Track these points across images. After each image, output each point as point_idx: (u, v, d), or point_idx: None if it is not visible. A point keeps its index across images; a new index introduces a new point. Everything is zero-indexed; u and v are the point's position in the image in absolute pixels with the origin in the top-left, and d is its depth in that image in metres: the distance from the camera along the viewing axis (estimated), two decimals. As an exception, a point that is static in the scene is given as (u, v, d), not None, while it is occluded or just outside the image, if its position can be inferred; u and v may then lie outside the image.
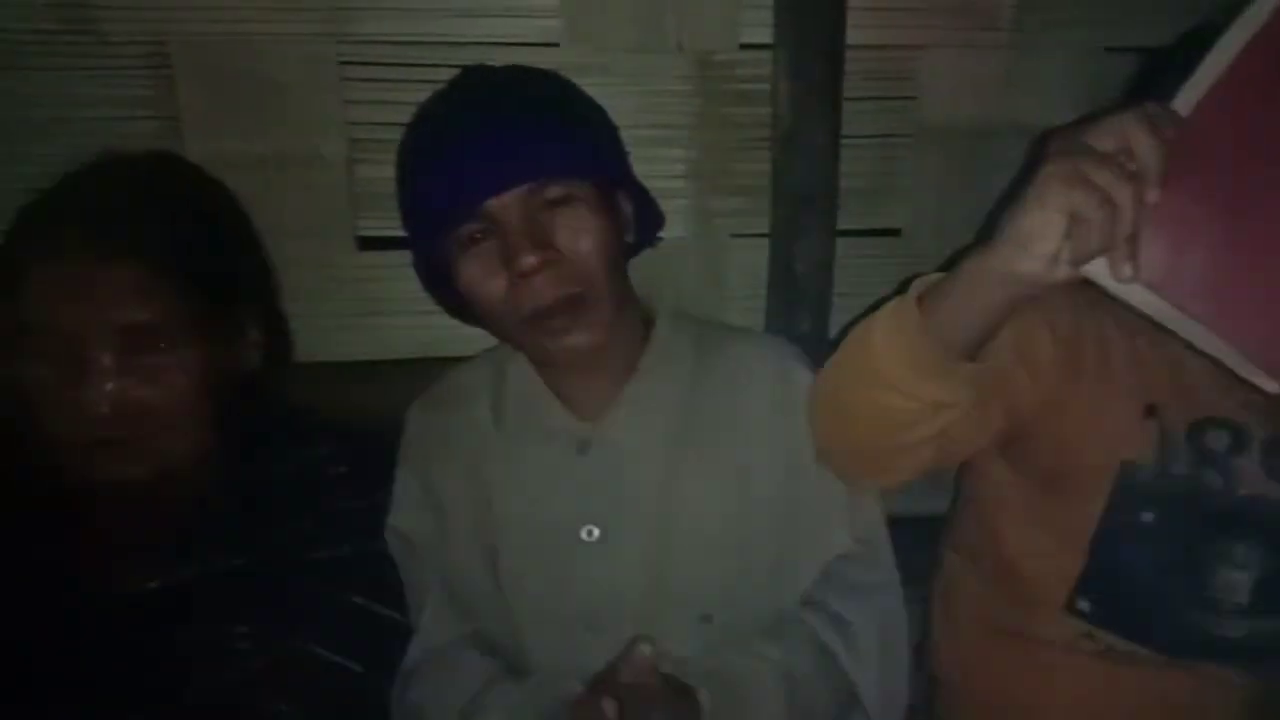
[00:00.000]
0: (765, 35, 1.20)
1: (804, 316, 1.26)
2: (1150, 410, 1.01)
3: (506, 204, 0.87)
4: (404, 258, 1.24)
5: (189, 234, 0.90)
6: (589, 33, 1.21)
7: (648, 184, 1.03)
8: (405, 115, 1.19)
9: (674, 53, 1.21)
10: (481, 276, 0.90)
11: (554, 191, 0.89)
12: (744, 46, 1.22)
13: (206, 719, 0.88)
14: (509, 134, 0.89)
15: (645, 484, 0.96)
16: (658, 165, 1.24)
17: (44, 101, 1.16)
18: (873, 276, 1.33)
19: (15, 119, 1.16)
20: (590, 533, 0.95)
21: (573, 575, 0.95)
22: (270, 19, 1.17)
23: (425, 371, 1.26)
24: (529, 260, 0.87)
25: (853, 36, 1.19)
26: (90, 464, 0.87)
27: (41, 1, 1.13)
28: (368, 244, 1.26)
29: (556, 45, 1.21)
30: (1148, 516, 1.01)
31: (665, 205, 1.06)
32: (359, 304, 1.28)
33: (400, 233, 1.23)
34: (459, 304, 0.99)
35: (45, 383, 0.86)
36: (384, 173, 1.21)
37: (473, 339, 1.27)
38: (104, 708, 0.89)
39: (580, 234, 0.89)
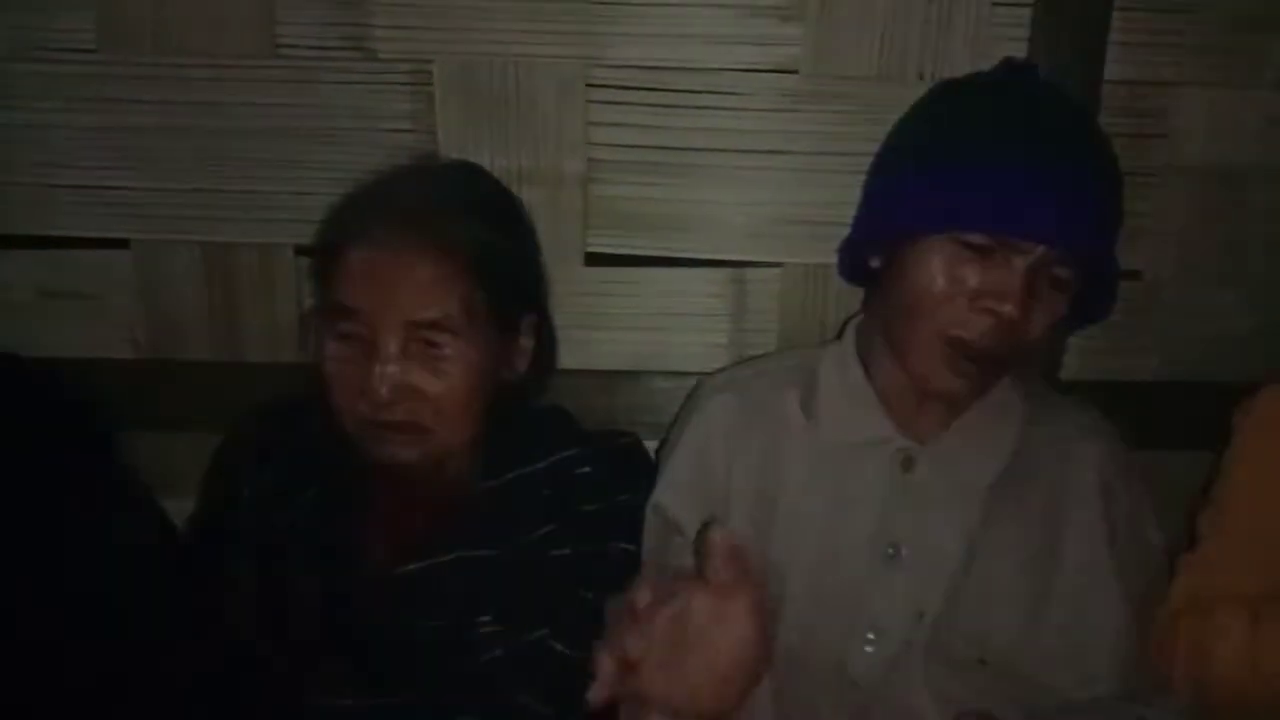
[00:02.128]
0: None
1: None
2: None
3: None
4: (627, 274, 1.31)
5: (486, 238, 0.96)
6: (830, 61, 1.22)
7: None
8: (641, 137, 1.26)
9: (915, 82, 1.20)
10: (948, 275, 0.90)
11: None
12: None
13: (448, 703, 0.92)
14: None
15: (961, 515, 0.95)
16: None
17: (320, 111, 1.26)
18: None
19: (294, 127, 1.27)
20: (894, 550, 0.95)
21: (859, 590, 0.94)
22: (526, 42, 1.23)
23: (639, 383, 1.32)
24: None
25: (1110, 71, 1.15)
26: (369, 443, 0.94)
27: (324, 21, 1.23)
28: (594, 260, 1.31)
29: (795, 73, 1.23)
30: None
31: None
32: (582, 316, 1.32)
33: (626, 250, 1.29)
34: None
35: (342, 361, 0.93)
36: (616, 191, 1.27)
37: (687, 356, 1.32)
38: (349, 682, 0.95)
39: None
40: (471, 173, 1.04)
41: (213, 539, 1.04)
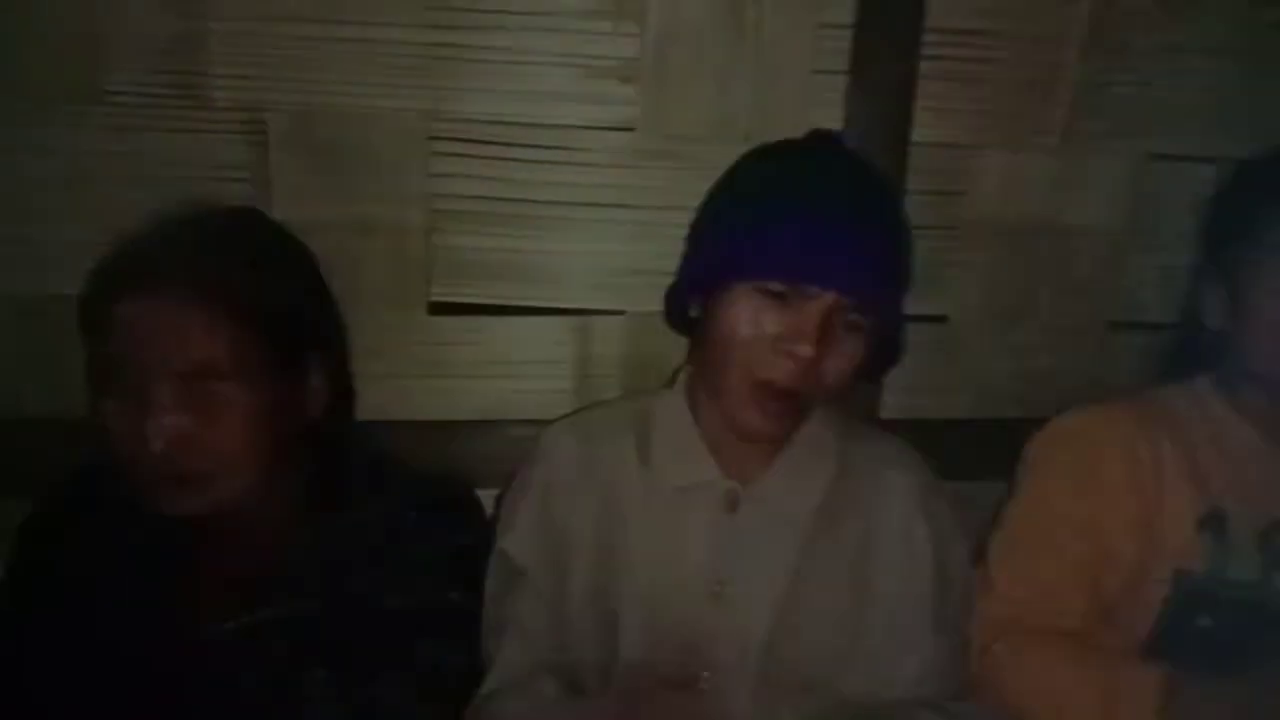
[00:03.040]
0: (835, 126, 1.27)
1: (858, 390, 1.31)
2: (1206, 520, 1.07)
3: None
4: (471, 323, 1.32)
5: (258, 280, 0.94)
6: (664, 121, 1.28)
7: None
8: (485, 189, 1.28)
9: (742, 142, 1.27)
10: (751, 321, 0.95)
11: None
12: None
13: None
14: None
15: (783, 551, 1.00)
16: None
17: (149, 159, 1.23)
18: (920, 360, 1.37)
19: (123, 175, 1.23)
20: (720, 586, 0.99)
21: (691, 630, 0.98)
22: (366, 93, 1.24)
23: (488, 432, 1.33)
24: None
25: (916, 134, 1.27)
26: (155, 498, 0.91)
27: (156, 68, 1.20)
28: (438, 309, 1.32)
29: (632, 130, 1.28)
30: (1205, 621, 1.06)
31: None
32: (428, 366, 1.32)
33: (470, 299, 1.31)
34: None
35: (119, 416, 0.90)
36: (459, 241, 1.29)
37: (532, 404, 1.34)
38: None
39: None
40: (246, 218, 1.02)
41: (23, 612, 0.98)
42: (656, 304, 1.30)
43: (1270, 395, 1.09)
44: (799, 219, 0.94)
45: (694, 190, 1.25)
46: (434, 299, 1.31)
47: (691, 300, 1.04)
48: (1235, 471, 1.10)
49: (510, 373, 1.34)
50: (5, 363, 1.27)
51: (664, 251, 1.30)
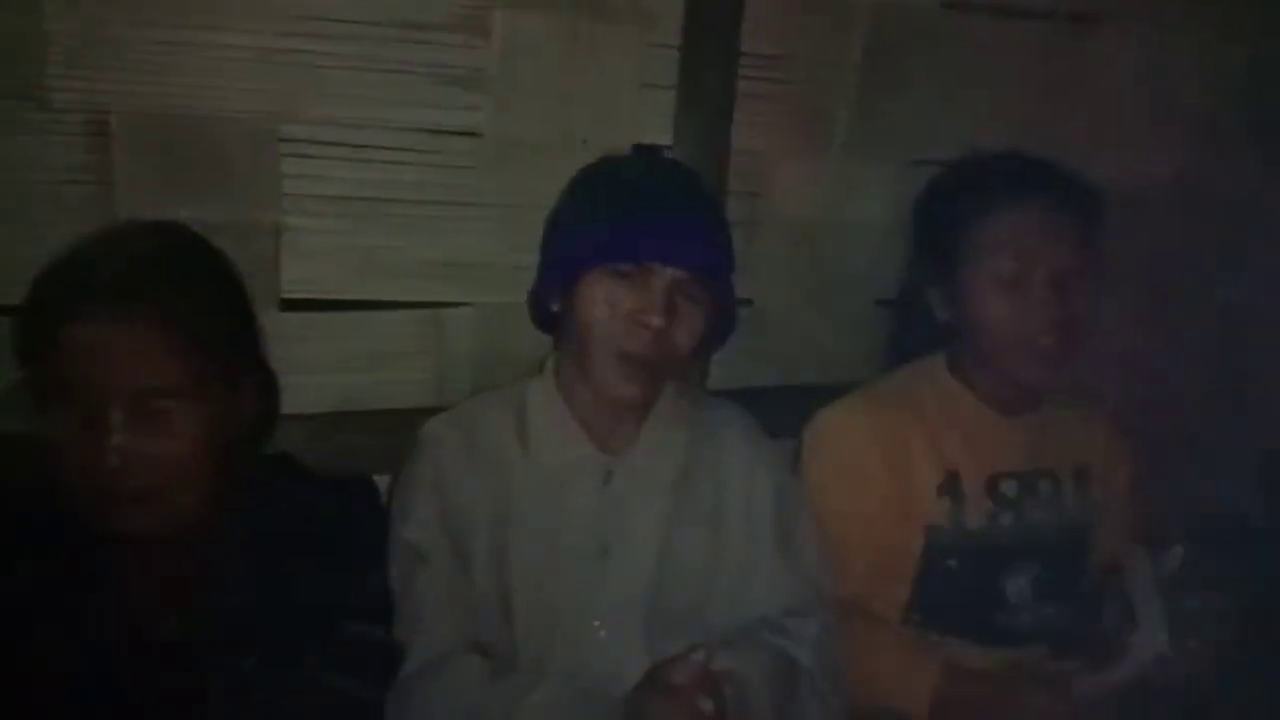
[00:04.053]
0: (664, 137, 1.43)
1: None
2: (945, 483, 1.30)
3: None
4: (325, 318, 1.37)
5: (200, 301, 0.97)
6: (508, 127, 1.39)
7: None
8: (334, 188, 1.33)
9: (580, 148, 1.40)
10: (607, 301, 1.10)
11: None
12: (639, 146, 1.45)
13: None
14: None
15: (652, 514, 1.16)
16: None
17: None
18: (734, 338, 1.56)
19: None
20: (603, 552, 1.12)
21: (582, 589, 1.11)
22: (212, 96, 1.25)
23: (346, 423, 1.38)
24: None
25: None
26: (106, 516, 0.92)
27: (-8, 68, 1.16)
28: (289, 305, 1.36)
29: (479, 135, 1.38)
30: (952, 563, 1.32)
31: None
32: (282, 362, 1.35)
33: (321, 295, 1.35)
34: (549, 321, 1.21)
35: (66, 438, 0.90)
36: (310, 240, 1.33)
37: (390, 392, 1.41)
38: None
39: None
40: (177, 234, 1.03)
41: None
42: (502, 296, 1.44)
43: (995, 373, 1.32)
44: (640, 208, 1.11)
45: (536, 191, 1.39)
46: (285, 295, 1.35)
47: (551, 295, 1.17)
48: (966, 437, 1.34)
49: (366, 365, 1.40)
50: None
51: (508, 247, 1.42)
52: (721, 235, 1.16)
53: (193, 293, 0.97)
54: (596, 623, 1.12)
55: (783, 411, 1.52)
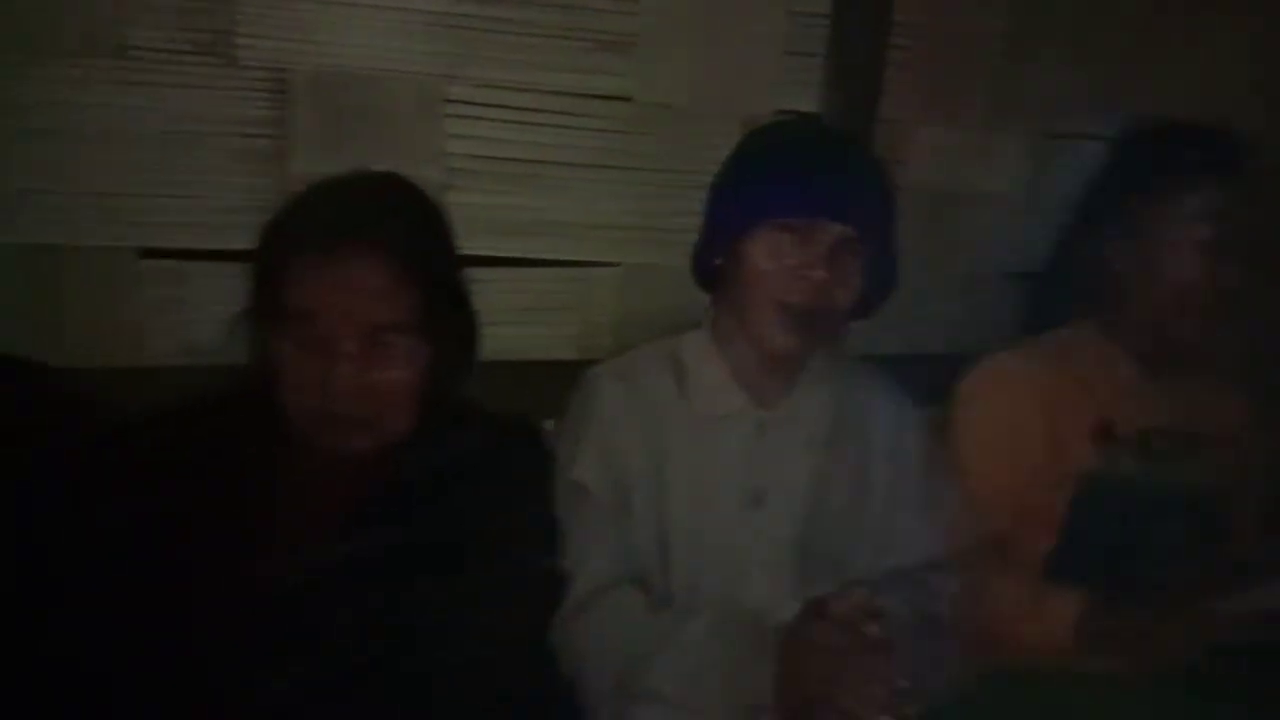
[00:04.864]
0: (809, 105, 1.46)
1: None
2: (1097, 435, 1.33)
3: None
4: (480, 274, 1.42)
5: (427, 243, 1.04)
6: (655, 93, 1.43)
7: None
8: (492, 149, 1.39)
9: (725, 115, 1.44)
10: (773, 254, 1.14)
11: None
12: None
13: (404, 664, 1.01)
14: None
15: (804, 466, 1.19)
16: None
17: (169, 115, 1.26)
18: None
19: (140, 131, 1.25)
20: (757, 500, 1.17)
21: (736, 534, 1.16)
22: (387, 56, 1.31)
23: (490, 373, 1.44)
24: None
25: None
26: (323, 434, 0.99)
27: (179, 26, 1.23)
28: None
29: (629, 100, 1.42)
30: (1098, 513, 1.33)
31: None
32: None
33: (480, 252, 1.41)
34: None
35: (297, 361, 0.97)
36: (470, 199, 1.39)
37: (532, 347, 1.46)
38: (288, 661, 1.00)
39: None
40: (402, 183, 1.09)
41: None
42: (647, 257, 1.48)
43: (1155, 338, 1.35)
44: (810, 166, 1.14)
45: (682, 155, 1.43)
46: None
47: (716, 249, 1.20)
48: (1119, 392, 1.37)
49: (514, 319, 1.46)
50: (11, 311, 1.27)
51: (654, 210, 1.46)
52: (887, 197, 1.19)
53: (421, 236, 1.03)
54: (753, 568, 1.16)
55: (908, 381, 1.55)
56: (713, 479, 1.18)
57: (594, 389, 1.22)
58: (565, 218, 1.44)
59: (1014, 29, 1.58)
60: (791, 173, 1.13)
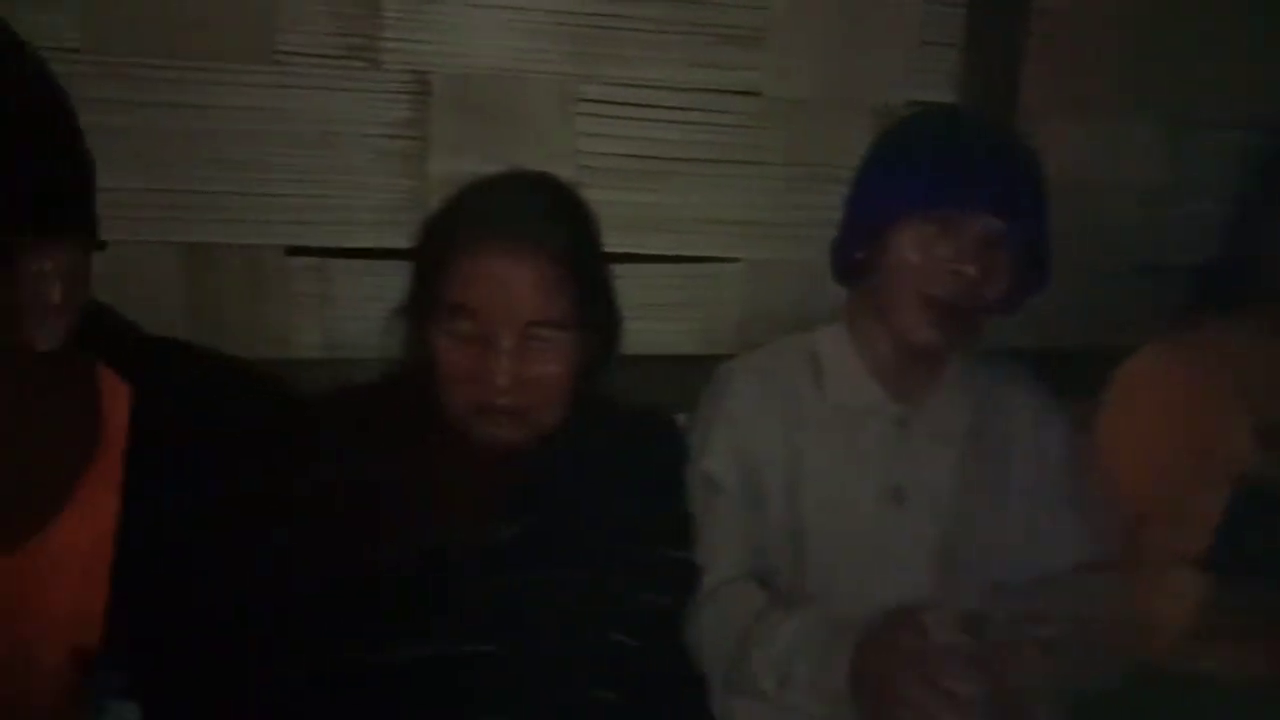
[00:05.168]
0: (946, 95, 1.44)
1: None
2: (1259, 434, 1.28)
3: None
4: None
5: (583, 243, 1.06)
6: (786, 86, 1.42)
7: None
8: (622, 147, 1.40)
9: (859, 108, 1.42)
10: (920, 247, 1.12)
11: None
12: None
13: (546, 648, 1.04)
14: None
15: (946, 463, 1.18)
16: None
17: (315, 116, 1.31)
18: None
19: (288, 131, 1.30)
20: (897, 497, 1.16)
21: (874, 531, 1.15)
22: (523, 57, 1.34)
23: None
24: None
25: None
26: (478, 425, 1.02)
27: (328, 30, 1.28)
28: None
29: (759, 94, 1.42)
30: (1258, 514, 1.28)
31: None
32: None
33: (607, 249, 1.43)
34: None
35: (455, 355, 1.01)
36: (603, 196, 1.40)
37: (655, 342, 1.47)
38: (448, 636, 1.04)
39: None
40: (556, 182, 1.12)
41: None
42: (773, 253, 1.48)
43: None
44: (961, 157, 1.12)
45: (813, 150, 1.42)
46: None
47: (858, 242, 1.20)
48: None
49: (638, 314, 1.46)
50: (164, 309, 1.33)
51: (783, 205, 1.46)
52: (1039, 188, 1.16)
53: (575, 234, 1.05)
54: (890, 568, 1.15)
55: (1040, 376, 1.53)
56: (850, 476, 1.18)
57: (727, 383, 1.22)
58: (691, 213, 1.45)
59: (1152, 15, 1.53)
60: (942, 163, 1.12)
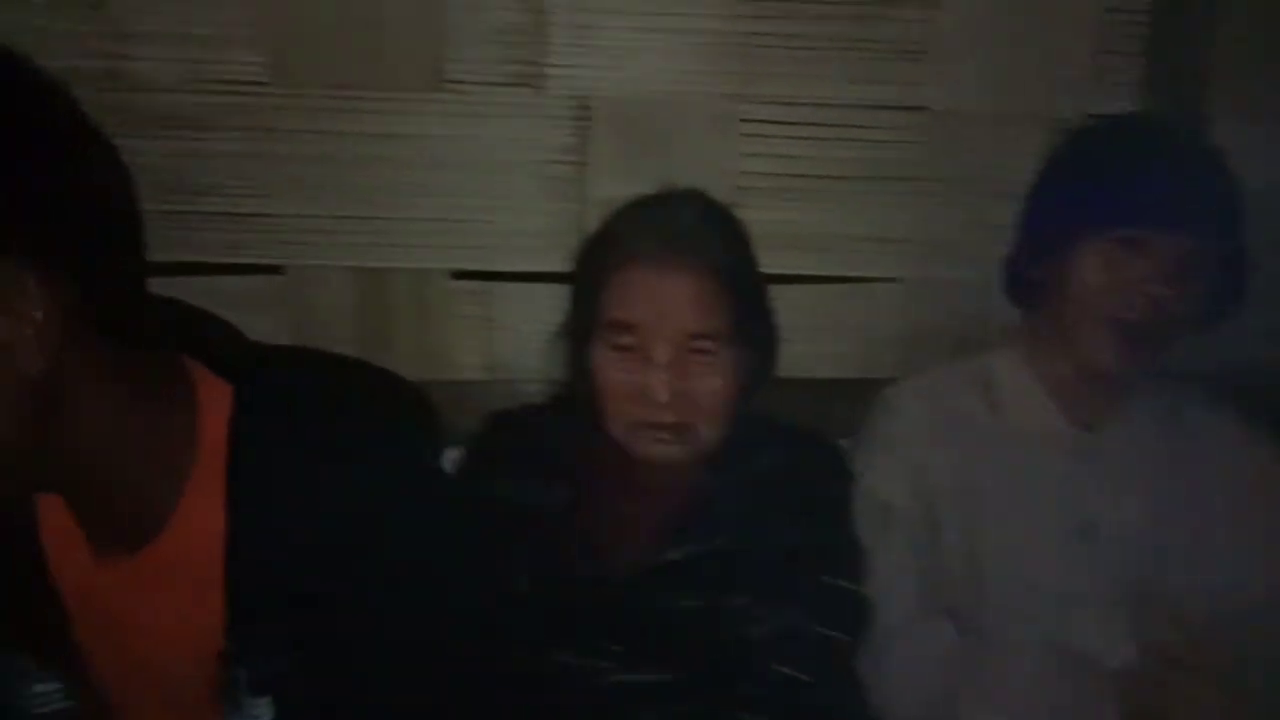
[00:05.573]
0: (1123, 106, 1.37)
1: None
2: None
3: None
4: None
5: (737, 254, 1.06)
6: (954, 100, 1.37)
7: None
8: (782, 166, 1.38)
9: (1030, 122, 1.36)
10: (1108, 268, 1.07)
11: None
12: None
13: (715, 676, 1.02)
14: None
15: (1136, 494, 1.11)
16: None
17: (480, 143, 1.33)
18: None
19: (455, 157, 1.34)
20: (1086, 531, 1.10)
21: (1062, 566, 1.09)
22: (683, 79, 1.34)
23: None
24: None
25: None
26: (640, 443, 1.02)
27: (494, 58, 1.30)
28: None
29: (926, 109, 1.38)
30: None
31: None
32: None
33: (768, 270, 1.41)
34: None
35: (616, 372, 1.01)
36: (759, 215, 1.38)
37: (807, 364, 1.44)
38: (622, 660, 1.04)
39: None
40: (708, 198, 1.11)
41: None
42: (936, 271, 1.43)
43: None
44: (1148, 170, 1.06)
45: (980, 165, 1.37)
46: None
47: (1036, 263, 1.14)
48: None
49: (799, 336, 1.44)
50: (335, 331, 1.38)
51: (946, 223, 1.41)
52: (1235, 201, 1.09)
53: (730, 247, 1.05)
54: (1079, 605, 1.09)
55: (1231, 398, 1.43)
56: (1033, 508, 1.12)
57: (896, 407, 1.18)
58: (851, 232, 1.41)
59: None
60: (1131, 178, 1.06)
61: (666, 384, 0.99)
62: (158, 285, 1.32)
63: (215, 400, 0.74)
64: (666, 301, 1.00)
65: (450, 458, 1.11)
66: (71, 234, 0.62)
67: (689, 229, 1.03)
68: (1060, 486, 1.12)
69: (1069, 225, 1.09)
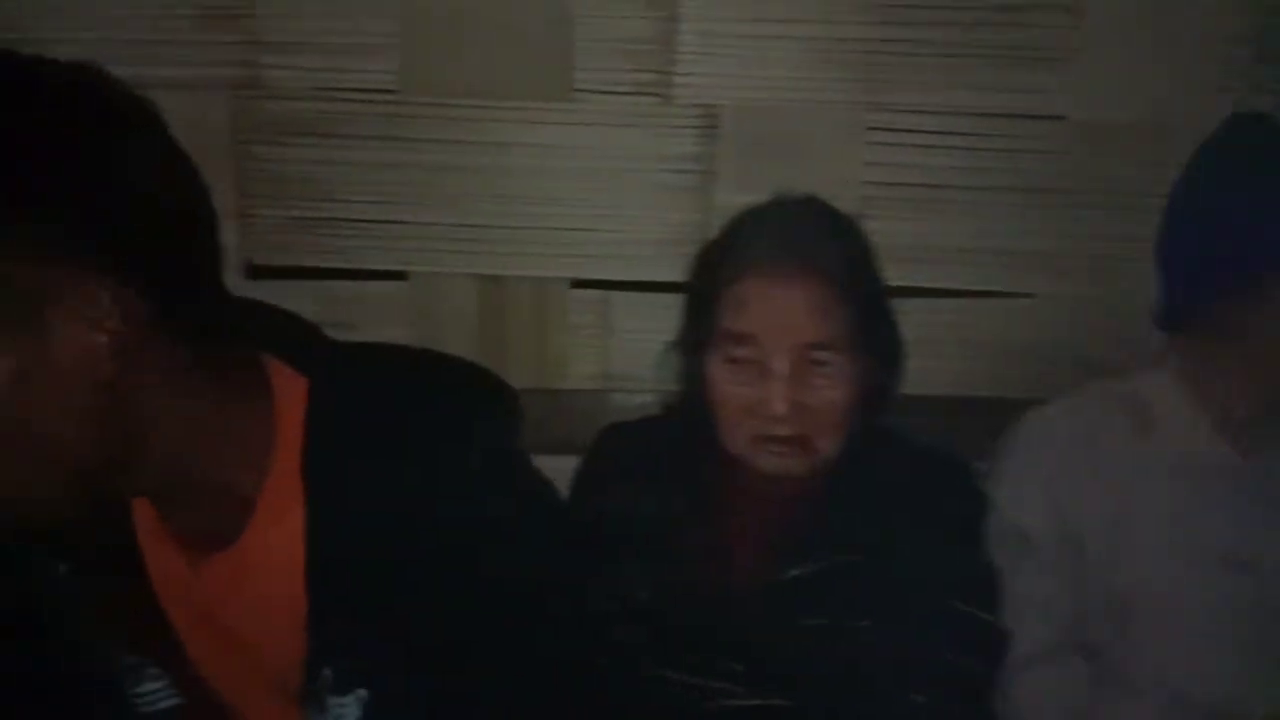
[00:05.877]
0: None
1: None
2: None
3: None
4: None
5: (855, 261, 1.02)
6: (1092, 110, 1.33)
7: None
8: (913, 175, 1.35)
9: (1175, 131, 1.29)
10: None
11: None
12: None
13: (842, 705, 0.98)
14: None
15: None
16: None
17: (606, 151, 1.33)
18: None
19: (580, 166, 1.34)
20: (1247, 565, 1.04)
21: (1217, 602, 1.04)
22: (810, 86, 1.32)
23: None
24: None
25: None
26: (757, 457, 0.99)
27: (623, 67, 1.30)
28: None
29: (1062, 119, 1.33)
30: None
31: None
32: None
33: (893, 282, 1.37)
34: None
35: (732, 383, 0.99)
36: (884, 226, 1.35)
37: (945, 380, 1.40)
38: (739, 683, 1.01)
39: None
40: (825, 205, 1.08)
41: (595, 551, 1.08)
42: (1069, 286, 1.38)
43: None
44: None
45: (1117, 177, 1.32)
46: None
47: (1208, 299, 1.05)
48: None
49: (926, 351, 1.39)
50: (457, 338, 1.38)
51: (1082, 235, 1.36)
52: None
53: (850, 256, 1.02)
54: (1234, 643, 1.03)
55: None
56: (1186, 540, 1.05)
57: (1037, 429, 1.13)
58: (982, 245, 1.37)
59: None
60: None
61: (785, 396, 0.96)
62: (279, 289, 1.37)
63: (291, 394, 0.73)
64: (783, 312, 0.97)
65: (566, 468, 1.10)
66: (146, 243, 0.62)
67: (805, 237, 1.00)
68: (1217, 519, 1.06)
69: (1256, 260, 1.01)
